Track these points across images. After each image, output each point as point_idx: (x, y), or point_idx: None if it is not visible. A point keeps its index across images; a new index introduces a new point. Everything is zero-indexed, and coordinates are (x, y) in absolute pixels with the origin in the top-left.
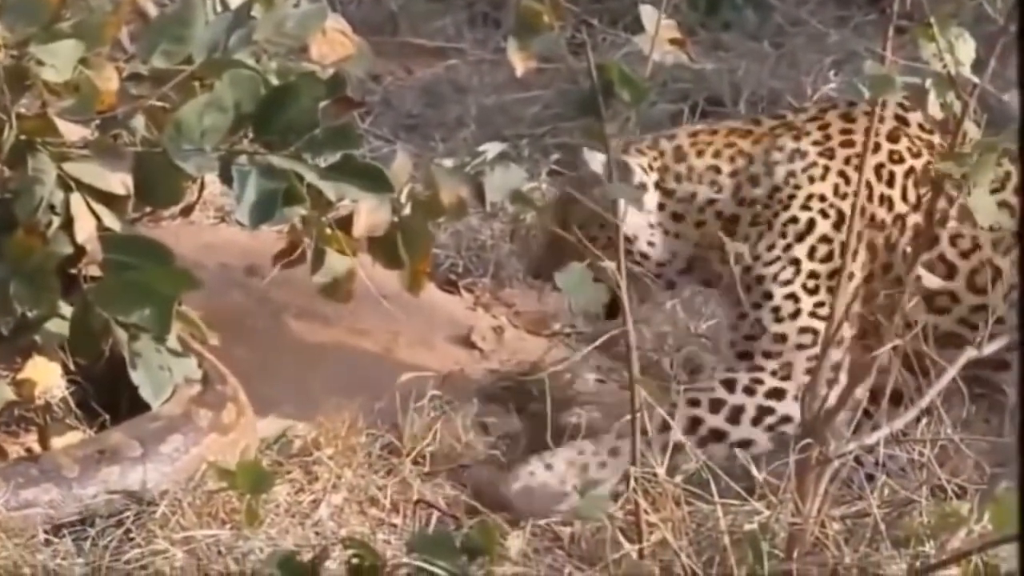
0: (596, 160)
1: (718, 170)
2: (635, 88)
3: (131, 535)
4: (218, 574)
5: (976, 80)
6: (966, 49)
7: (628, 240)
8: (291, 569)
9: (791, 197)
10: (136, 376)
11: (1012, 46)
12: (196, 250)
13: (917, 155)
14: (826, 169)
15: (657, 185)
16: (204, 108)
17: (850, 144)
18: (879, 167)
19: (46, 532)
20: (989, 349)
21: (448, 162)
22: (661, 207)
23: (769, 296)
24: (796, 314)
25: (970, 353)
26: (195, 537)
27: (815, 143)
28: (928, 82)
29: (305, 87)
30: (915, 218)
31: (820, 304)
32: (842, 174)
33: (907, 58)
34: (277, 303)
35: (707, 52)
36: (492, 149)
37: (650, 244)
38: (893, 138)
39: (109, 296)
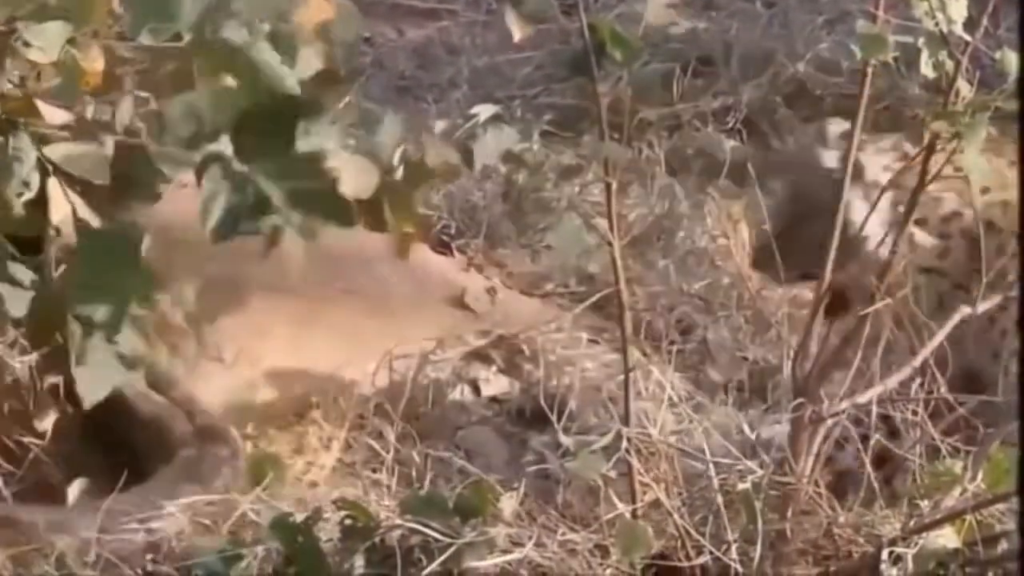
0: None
1: None
2: (627, 48)
3: None
4: (212, 535)
5: (968, 38)
6: (958, 7)
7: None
8: (284, 530)
9: None
10: (77, 372)
11: (1004, 4)
12: (189, 213)
13: None
14: None
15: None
16: (183, 116)
17: None
18: None
19: None
20: (983, 308)
21: (441, 123)
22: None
23: None
24: None
25: (964, 311)
26: None
27: None
28: (920, 41)
29: (284, 107)
30: None
31: None
32: None
33: (900, 17)
34: (270, 264)
35: (699, 12)
36: (485, 111)
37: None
38: None
39: (69, 285)
